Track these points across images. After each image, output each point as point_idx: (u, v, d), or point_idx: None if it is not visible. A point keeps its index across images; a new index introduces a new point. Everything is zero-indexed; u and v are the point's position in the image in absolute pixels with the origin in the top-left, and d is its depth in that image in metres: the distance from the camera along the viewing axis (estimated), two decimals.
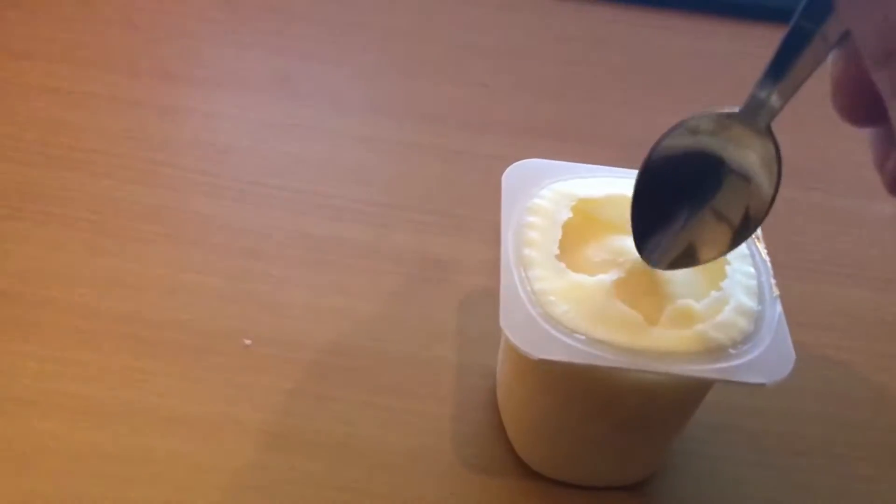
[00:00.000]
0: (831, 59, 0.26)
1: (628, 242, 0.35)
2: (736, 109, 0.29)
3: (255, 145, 0.52)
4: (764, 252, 0.35)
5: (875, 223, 0.53)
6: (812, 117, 0.56)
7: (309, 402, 0.41)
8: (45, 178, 0.48)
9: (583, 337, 0.31)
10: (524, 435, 0.38)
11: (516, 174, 0.37)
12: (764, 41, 0.64)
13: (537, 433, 0.38)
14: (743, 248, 0.35)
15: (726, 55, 0.64)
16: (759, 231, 0.36)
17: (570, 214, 0.35)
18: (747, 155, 0.29)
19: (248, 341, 0.42)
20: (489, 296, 0.46)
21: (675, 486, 0.39)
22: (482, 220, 0.49)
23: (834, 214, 0.53)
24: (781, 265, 0.47)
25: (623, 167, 0.38)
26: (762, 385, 0.31)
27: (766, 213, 0.30)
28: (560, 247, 0.34)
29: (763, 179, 0.29)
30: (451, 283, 0.46)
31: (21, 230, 0.46)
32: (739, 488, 0.40)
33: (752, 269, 0.34)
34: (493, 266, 0.47)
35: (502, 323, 0.31)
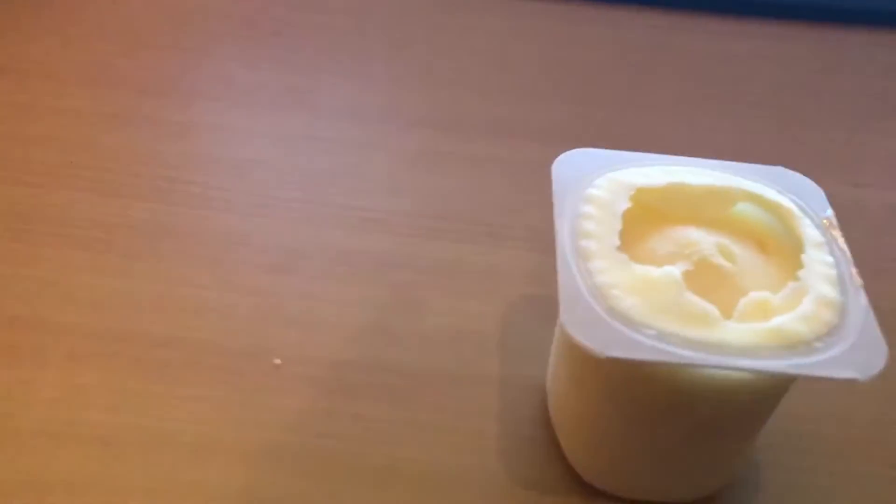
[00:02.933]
0: None
1: (695, 234, 0.32)
2: None
3: (274, 159, 0.50)
4: (841, 241, 0.32)
5: None
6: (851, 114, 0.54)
7: (347, 423, 0.37)
8: (55, 199, 0.46)
9: (653, 332, 0.28)
10: (583, 449, 0.35)
11: (567, 163, 0.34)
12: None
13: (598, 446, 0.34)
14: (818, 235, 0.32)
15: (759, 57, 0.62)
16: (834, 220, 0.33)
17: (630, 204, 0.32)
18: None
19: (277, 361, 0.39)
20: (533, 305, 0.43)
21: (749, 501, 0.36)
22: (518, 227, 0.47)
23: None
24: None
25: None
26: (855, 381, 0.27)
27: None
28: (620, 238, 0.31)
29: None
30: (491, 294, 0.43)
31: (31, 252, 0.43)
32: (820, 502, 0.36)
33: (830, 258, 0.31)
34: (534, 275, 0.45)
35: (563, 318, 0.28)
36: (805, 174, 0.35)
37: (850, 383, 0.28)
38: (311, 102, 0.55)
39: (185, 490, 0.34)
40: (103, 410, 0.37)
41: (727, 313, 0.30)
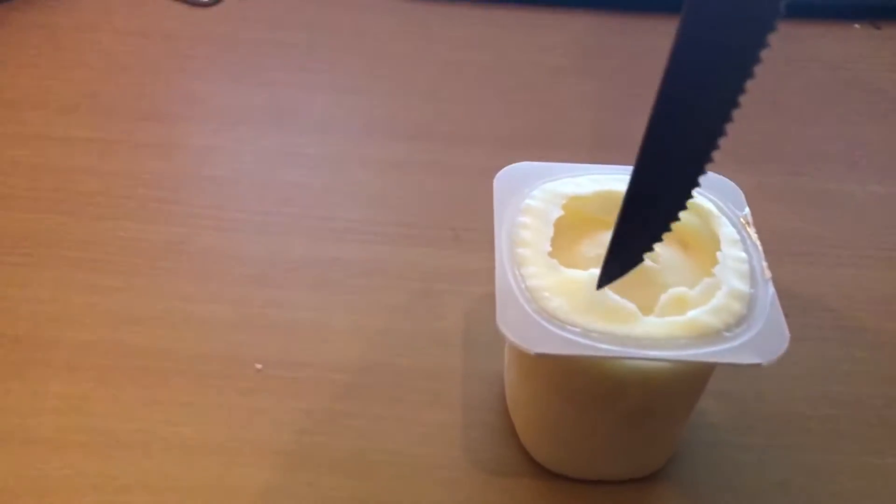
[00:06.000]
0: None
1: None
2: None
3: (255, 176, 0.54)
4: (754, 236, 0.36)
5: (866, 204, 0.54)
6: (796, 106, 0.57)
7: (323, 419, 0.41)
8: (49, 223, 0.49)
9: (578, 329, 0.32)
10: (535, 434, 0.39)
11: (507, 177, 0.38)
12: None
13: (547, 431, 0.38)
14: (733, 233, 0.35)
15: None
16: (748, 216, 0.36)
17: (562, 212, 0.36)
18: None
19: (259, 365, 0.43)
20: (493, 303, 0.47)
21: (687, 476, 0.40)
22: (479, 230, 0.50)
23: (824, 198, 0.54)
24: (775, 252, 0.47)
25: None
26: (758, 365, 0.31)
27: None
28: (553, 244, 0.35)
29: None
30: (455, 294, 0.47)
31: (30, 274, 0.47)
32: (750, 473, 0.40)
33: (743, 254, 0.35)
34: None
35: (498, 321, 0.32)
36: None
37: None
38: (288, 119, 0.58)
39: (177, 485, 0.38)
40: (100, 417, 0.41)
41: (649, 309, 0.33)
